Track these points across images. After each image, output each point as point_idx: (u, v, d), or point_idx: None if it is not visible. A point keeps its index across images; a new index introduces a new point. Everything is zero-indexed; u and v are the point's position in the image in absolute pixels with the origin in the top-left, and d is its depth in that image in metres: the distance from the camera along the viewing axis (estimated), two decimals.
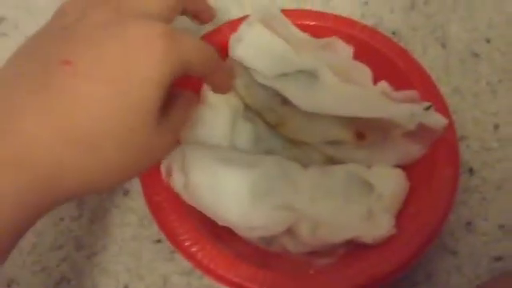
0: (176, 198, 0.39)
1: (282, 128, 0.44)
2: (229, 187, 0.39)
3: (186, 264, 0.42)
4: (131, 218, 0.45)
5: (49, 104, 0.28)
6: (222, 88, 0.41)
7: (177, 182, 0.39)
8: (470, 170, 0.46)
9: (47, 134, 0.28)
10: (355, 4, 0.55)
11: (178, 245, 0.37)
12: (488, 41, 0.53)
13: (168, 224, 0.38)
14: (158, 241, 0.43)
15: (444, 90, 0.48)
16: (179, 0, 0.35)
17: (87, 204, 0.45)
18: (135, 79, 0.29)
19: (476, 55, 0.52)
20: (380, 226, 0.37)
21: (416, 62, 0.44)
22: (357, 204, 0.39)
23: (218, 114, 0.44)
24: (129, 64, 0.29)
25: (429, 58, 0.52)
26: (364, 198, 0.39)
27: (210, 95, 0.44)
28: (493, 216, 0.44)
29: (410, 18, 0.54)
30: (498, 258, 0.42)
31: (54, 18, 0.34)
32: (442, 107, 0.42)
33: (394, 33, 0.53)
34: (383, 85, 0.43)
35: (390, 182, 0.40)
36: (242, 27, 0.44)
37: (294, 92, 0.42)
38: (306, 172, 0.41)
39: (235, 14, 0.54)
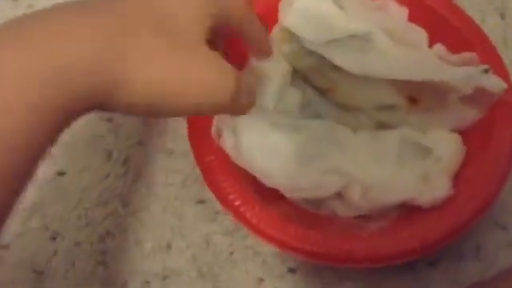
0: (226, 159, 0.39)
1: (332, 93, 0.43)
2: (278, 149, 0.39)
3: (229, 224, 0.42)
4: (175, 178, 0.45)
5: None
6: (262, 50, 0.39)
7: (227, 142, 0.39)
8: None
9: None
10: None
11: (227, 204, 0.37)
12: None
13: (217, 184, 0.38)
14: (201, 201, 0.43)
15: None
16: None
17: (132, 161, 0.45)
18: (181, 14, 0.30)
19: None
20: (438, 188, 0.36)
21: (473, 21, 0.42)
22: (411, 167, 0.38)
23: (266, 81, 0.43)
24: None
25: (486, 28, 0.49)
26: (419, 162, 0.38)
27: (257, 67, 0.43)
28: None
29: None
30: None
31: None
32: (501, 69, 0.40)
33: None
34: (439, 47, 0.41)
35: (447, 146, 0.38)
36: None
37: (345, 57, 0.41)
38: (356, 136, 0.40)
39: None
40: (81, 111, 0.27)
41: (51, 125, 0.26)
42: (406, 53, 0.40)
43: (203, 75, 0.30)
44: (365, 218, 0.38)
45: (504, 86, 0.38)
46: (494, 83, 0.38)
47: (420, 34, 0.42)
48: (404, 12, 0.43)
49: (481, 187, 0.37)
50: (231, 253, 0.41)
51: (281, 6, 0.43)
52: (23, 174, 0.26)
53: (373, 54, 0.40)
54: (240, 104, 0.32)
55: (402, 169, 0.38)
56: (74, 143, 0.46)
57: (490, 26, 0.49)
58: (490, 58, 0.40)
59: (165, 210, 0.43)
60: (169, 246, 0.42)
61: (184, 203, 0.44)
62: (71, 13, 0.28)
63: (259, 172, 0.38)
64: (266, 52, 0.40)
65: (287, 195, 0.38)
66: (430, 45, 0.43)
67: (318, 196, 0.38)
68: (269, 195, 0.38)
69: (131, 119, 0.47)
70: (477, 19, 0.49)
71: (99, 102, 0.28)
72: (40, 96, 0.26)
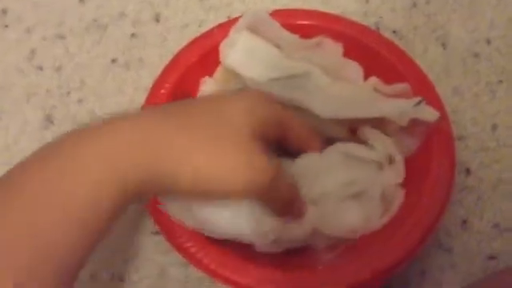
0: None
1: None
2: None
3: None
4: (129, 207, 0.45)
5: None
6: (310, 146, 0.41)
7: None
8: (467, 170, 0.46)
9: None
10: (358, 2, 0.55)
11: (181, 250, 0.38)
12: (488, 41, 0.53)
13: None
14: (157, 232, 0.44)
15: (444, 90, 0.49)
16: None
17: None
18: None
19: (476, 55, 0.52)
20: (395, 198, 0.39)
21: (405, 53, 0.45)
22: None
23: None
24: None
25: (429, 57, 0.52)
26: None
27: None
28: (488, 215, 0.45)
29: (411, 17, 0.54)
30: (492, 257, 0.43)
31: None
32: (433, 97, 0.42)
33: (394, 32, 0.53)
34: (374, 80, 0.43)
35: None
36: (232, 35, 0.45)
37: (287, 95, 0.42)
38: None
39: (237, 7, 0.55)
40: (134, 199, 0.33)
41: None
42: (343, 89, 0.42)
43: (243, 161, 0.33)
44: (313, 251, 0.39)
45: (437, 115, 0.40)
46: (428, 113, 0.40)
47: (355, 69, 0.44)
48: (339, 48, 0.45)
49: (424, 214, 0.39)
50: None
51: (221, 47, 0.45)
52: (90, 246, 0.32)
53: (313, 92, 0.42)
54: (280, 192, 0.36)
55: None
56: None
57: (433, 56, 0.52)
58: (423, 87, 0.43)
59: (118, 240, 0.44)
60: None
61: (140, 234, 0.44)
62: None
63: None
64: (315, 148, 0.41)
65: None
66: (366, 77, 0.45)
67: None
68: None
69: None
70: (419, 50, 0.52)
71: (149, 191, 0.34)
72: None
